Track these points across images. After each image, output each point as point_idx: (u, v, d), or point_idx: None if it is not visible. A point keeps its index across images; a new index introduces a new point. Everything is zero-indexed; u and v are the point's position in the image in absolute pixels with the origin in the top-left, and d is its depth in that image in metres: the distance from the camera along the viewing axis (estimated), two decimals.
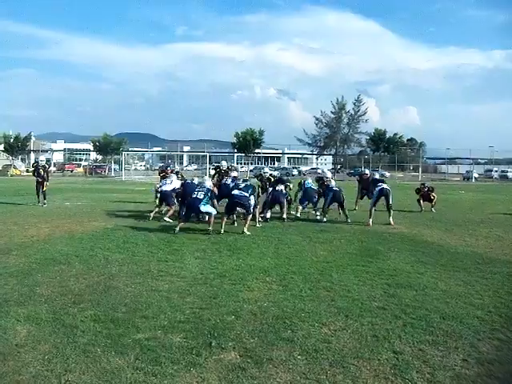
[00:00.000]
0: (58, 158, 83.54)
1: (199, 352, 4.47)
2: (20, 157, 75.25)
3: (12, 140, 68.66)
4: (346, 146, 64.34)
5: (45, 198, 17.79)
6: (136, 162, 79.95)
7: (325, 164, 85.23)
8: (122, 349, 4.53)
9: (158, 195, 14.69)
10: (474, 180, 58.45)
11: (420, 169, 65.91)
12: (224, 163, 18.47)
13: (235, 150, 64.79)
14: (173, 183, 14.54)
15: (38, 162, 18.88)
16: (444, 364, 4.36)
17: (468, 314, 5.70)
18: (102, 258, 8.44)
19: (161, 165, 20.75)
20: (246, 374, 4.06)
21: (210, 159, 57.55)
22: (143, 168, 75.99)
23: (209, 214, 11.90)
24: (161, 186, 14.55)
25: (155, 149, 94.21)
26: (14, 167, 63.70)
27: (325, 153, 68.19)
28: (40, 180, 17.94)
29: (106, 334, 4.89)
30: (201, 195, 11.83)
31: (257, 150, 63.80)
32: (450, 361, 4.42)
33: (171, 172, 16.42)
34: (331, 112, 62.78)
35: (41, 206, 17.37)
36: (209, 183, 12.73)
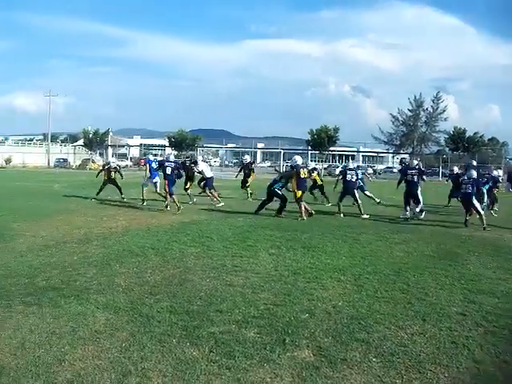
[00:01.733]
0: (134, 153, 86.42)
1: (273, 348, 4.52)
2: (98, 151, 78.54)
3: (91, 135, 71.86)
4: (423, 145, 62.59)
5: (122, 193, 18.46)
6: (210, 157, 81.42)
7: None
8: (196, 340, 4.66)
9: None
10: None
11: (502, 169, 62.90)
12: (247, 157, 22.36)
13: (309, 148, 64.50)
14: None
15: (109, 164, 19.56)
16: None
17: None
18: (177, 251, 8.70)
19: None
20: (320, 373, 4.06)
21: (283, 156, 57.67)
22: (217, 164, 77.24)
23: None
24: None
25: (229, 145, 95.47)
26: (93, 161, 66.50)
27: (401, 151, 66.53)
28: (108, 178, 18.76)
29: (182, 325, 5.05)
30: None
31: (331, 148, 63.24)
32: None
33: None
34: (408, 109, 61.31)
35: (122, 199, 18.18)
36: None
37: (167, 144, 73.30)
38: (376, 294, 6.39)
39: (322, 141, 59.60)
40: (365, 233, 11.53)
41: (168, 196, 15.07)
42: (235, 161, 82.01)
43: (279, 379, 3.96)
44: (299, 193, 13.90)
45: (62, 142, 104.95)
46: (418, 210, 14.84)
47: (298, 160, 14.65)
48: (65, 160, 68.01)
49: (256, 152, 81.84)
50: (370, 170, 61.97)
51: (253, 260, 8.14)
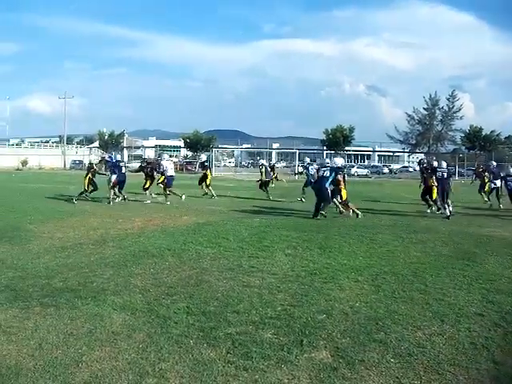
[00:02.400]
0: (150, 154, 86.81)
1: (290, 349, 4.52)
2: (114, 153, 78.95)
3: (106, 137, 72.46)
4: (439, 144, 62.11)
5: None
6: (225, 158, 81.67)
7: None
8: (213, 342, 4.68)
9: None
10: None
11: None
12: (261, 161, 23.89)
13: (324, 148, 64.39)
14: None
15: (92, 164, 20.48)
16: None
17: None
18: (193, 252, 8.75)
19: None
20: (338, 374, 4.05)
21: (299, 156, 57.63)
22: (232, 164, 77.40)
23: None
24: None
25: (244, 146, 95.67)
26: None
27: (417, 151, 66.09)
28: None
29: (199, 326, 5.07)
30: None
31: (347, 148, 63.05)
32: None
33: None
34: (424, 108, 60.92)
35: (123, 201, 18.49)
36: None
37: (182, 145, 73.68)
38: (394, 294, 6.36)
39: (337, 140, 59.55)
40: (381, 233, 11.50)
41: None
42: (250, 161, 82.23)
43: (297, 380, 3.95)
44: (345, 192, 14.36)
45: (78, 143, 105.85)
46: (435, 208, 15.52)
47: (340, 161, 15.25)
48: (80, 162, 68.57)
49: (271, 152, 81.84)
50: (386, 170, 61.68)
51: (269, 261, 8.16)
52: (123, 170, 19.02)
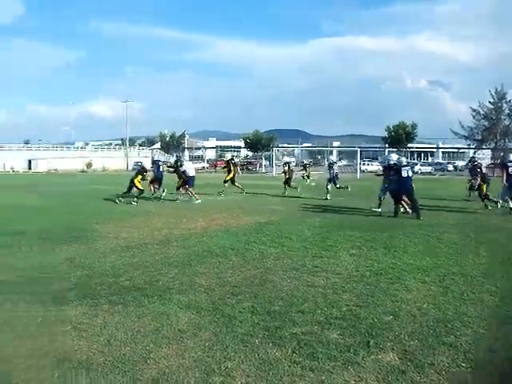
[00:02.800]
0: (211, 155, 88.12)
1: (356, 350, 4.46)
2: (175, 154, 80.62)
3: (168, 139, 73.97)
4: (507, 140, 59.62)
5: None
6: (286, 158, 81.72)
7: (482, 159, 79.62)
8: (279, 341, 4.68)
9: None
10: None
11: None
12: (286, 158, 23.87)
13: (386, 145, 63.32)
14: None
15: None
16: None
17: None
18: (257, 251, 8.80)
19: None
20: (406, 378, 3.96)
21: (360, 154, 56.95)
22: (293, 164, 77.36)
23: None
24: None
25: (304, 145, 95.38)
26: None
27: (483, 147, 63.74)
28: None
29: (264, 325, 5.08)
30: None
31: (409, 145, 61.71)
32: None
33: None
34: (490, 102, 58.55)
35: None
36: None
37: (243, 145, 74.33)
38: (462, 295, 6.17)
39: (399, 138, 58.39)
40: (448, 232, 11.20)
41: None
42: (310, 160, 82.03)
43: (364, 383, 3.90)
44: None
45: (140, 145, 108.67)
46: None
47: (395, 157, 15.18)
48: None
49: (332, 151, 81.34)
50: (451, 167, 59.80)
51: (333, 260, 8.09)
52: (161, 169, 20.87)
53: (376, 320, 5.26)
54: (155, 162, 21.30)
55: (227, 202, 18.28)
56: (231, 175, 22.49)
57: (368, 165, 62.23)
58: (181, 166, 20.20)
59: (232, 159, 24.22)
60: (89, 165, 71.59)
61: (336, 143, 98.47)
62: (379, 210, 14.58)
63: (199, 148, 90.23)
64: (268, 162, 65.92)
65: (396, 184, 14.06)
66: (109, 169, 71.78)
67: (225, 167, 23.75)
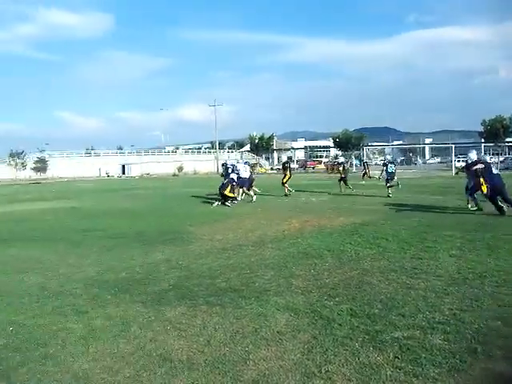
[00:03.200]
0: (300, 155, 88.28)
1: (463, 357, 4.25)
2: (264, 156, 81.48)
3: (257, 141, 74.86)
4: None
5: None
6: (376, 156, 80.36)
7: None
8: (380, 345, 4.57)
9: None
10: None
11: None
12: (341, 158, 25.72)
13: (482, 140, 60.58)
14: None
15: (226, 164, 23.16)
16: None
17: None
18: (352, 252, 8.69)
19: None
20: None
21: (455, 151, 54.85)
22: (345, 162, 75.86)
23: None
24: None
25: (395, 142, 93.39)
26: (260, 166, 69.20)
27: None
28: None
29: (363, 329, 5.00)
30: None
31: (507, 139, 58.69)
32: None
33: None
34: None
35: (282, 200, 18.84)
36: None
37: (332, 145, 73.90)
38: None
39: (496, 132, 55.69)
40: None
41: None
42: (402, 158, 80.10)
43: None
44: (485, 187, 13.60)
45: (229, 148, 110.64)
46: None
47: (474, 156, 14.81)
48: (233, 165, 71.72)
49: (424, 148, 79.14)
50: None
51: (433, 262, 7.82)
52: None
53: (482, 325, 5.00)
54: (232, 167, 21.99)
55: (318, 203, 18.22)
56: (287, 177, 23.15)
57: (463, 161, 59.91)
58: (232, 171, 21.14)
59: (287, 162, 25.19)
60: (180, 168, 73.82)
61: (428, 140, 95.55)
62: (475, 208, 14.20)
63: (288, 149, 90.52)
64: (358, 162, 65.04)
65: (491, 182, 13.54)
66: (200, 172, 73.66)
67: (284, 169, 24.17)
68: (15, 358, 4.62)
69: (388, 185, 21.43)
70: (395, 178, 22.21)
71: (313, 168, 69.71)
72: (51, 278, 7.76)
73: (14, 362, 4.55)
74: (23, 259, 9.30)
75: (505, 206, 13.14)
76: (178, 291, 6.60)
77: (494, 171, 13.80)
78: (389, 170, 21.93)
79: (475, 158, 14.56)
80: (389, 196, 20.19)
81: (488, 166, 13.87)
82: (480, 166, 13.86)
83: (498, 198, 13.33)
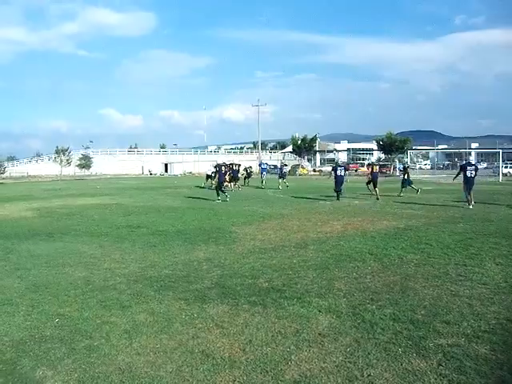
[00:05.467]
0: (342, 157, 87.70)
1: (511, 369, 4.17)
2: (306, 157, 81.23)
3: (299, 142, 74.70)
4: None
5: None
6: (420, 160, 79.20)
7: None
8: (423, 352, 4.53)
9: None
10: None
11: None
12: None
13: None
14: None
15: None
16: None
17: None
18: (395, 257, 8.61)
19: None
20: None
21: (502, 156, 53.42)
22: (428, 166, 74.77)
23: None
24: None
25: (440, 146, 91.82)
26: (302, 167, 69.05)
27: None
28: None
29: (407, 334, 4.95)
30: None
31: None
32: None
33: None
34: None
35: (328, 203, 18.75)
36: None
37: (375, 147, 73.11)
38: None
39: None
40: None
41: None
42: (447, 163, 78.65)
43: None
44: None
45: (271, 149, 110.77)
46: None
47: None
48: (275, 166, 71.80)
49: (470, 153, 77.38)
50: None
51: (478, 269, 7.66)
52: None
53: None
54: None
55: (363, 206, 18.07)
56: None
57: (511, 167, 58.29)
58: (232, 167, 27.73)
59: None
60: None
61: (474, 144, 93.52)
62: None
63: (331, 151, 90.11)
64: (401, 165, 64.25)
65: None
66: (242, 172, 73.89)
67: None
68: (61, 349, 4.76)
69: (401, 188, 23.12)
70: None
71: (355, 171, 69.23)
72: (96, 272, 7.96)
73: (60, 352, 4.69)
74: (68, 253, 9.56)
75: None
76: (220, 290, 6.67)
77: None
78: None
79: None
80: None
81: None
82: None
83: None
